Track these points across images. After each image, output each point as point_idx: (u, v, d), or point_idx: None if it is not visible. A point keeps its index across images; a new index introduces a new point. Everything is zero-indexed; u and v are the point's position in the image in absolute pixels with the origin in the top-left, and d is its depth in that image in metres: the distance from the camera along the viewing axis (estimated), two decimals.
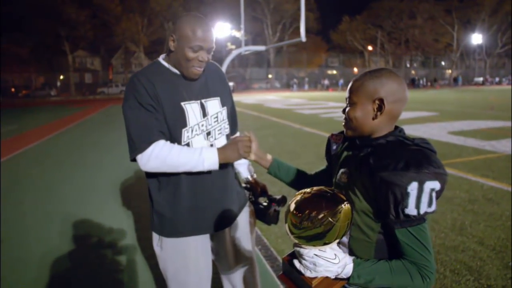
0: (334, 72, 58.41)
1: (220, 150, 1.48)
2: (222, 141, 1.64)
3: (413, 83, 47.97)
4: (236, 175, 1.83)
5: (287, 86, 50.31)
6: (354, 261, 0.98)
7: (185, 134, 1.52)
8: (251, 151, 1.45)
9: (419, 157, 0.95)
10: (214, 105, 1.62)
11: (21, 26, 38.71)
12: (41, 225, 3.89)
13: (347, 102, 1.12)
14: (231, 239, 1.75)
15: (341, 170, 1.16)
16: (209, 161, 1.46)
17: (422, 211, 0.93)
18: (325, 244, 0.92)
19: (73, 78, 44.59)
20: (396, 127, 1.11)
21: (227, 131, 1.70)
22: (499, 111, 13.71)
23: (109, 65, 53.68)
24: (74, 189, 5.16)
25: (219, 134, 1.63)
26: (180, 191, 1.55)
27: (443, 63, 65.52)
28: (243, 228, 1.78)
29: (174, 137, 1.50)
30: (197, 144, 1.55)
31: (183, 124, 1.51)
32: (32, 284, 2.72)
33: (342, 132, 1.26)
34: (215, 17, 38.36)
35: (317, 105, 19.85)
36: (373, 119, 1.07)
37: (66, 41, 42.15)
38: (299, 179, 1.48)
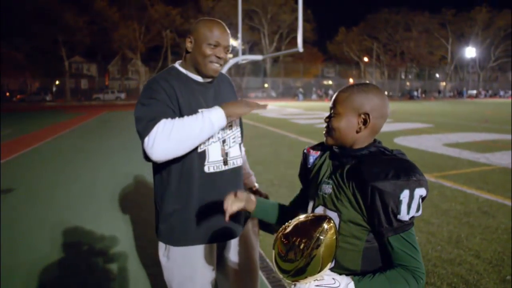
0: (330, 82, 58.84)
1: (224, 105, 1.47)
2: (236, 150, 1.64)
3: (410, 96, 48.25)
4: (244, 185, 1.82)
5: (283, 95, 50.45)
6: (353, 279, 0.98)
7: None
8: (243, 200, 1.24)
9: (405, 166, 1.00)
10: None
11: (19, 31, 38.59)
12: (34, 231, 3.83)
13: (331, 112, 1.14)
14: (236, 249, 1.74)
15: (325, 181, 1.15)
16: (216, 117, 1.43)
17: (411, 216, 0.99)
18: (309, 277, 0.91)
19: (69, 83, 44.49)
20: (375, 139, 1.14)
21: (240, 139, 1.70)
22: (493, 124, 13.85)
23: (106, 72, 53.69)
24: (68, 195, 5.09)
25: (233, 142, 1.63)
26: (191, 200, 1.54)
27: (437, 75, 66.36)
28: (248, 239, 1.78)
29: None
30: (214, 152, 1.55)
31: None
32: None
33: (318, 144, 1.28)
34: None
35: (312, 115, 19.92)
36: (357, 132, 1.10)
37: (63, 47, 42.11)
38: (280, 216, 1.37)
